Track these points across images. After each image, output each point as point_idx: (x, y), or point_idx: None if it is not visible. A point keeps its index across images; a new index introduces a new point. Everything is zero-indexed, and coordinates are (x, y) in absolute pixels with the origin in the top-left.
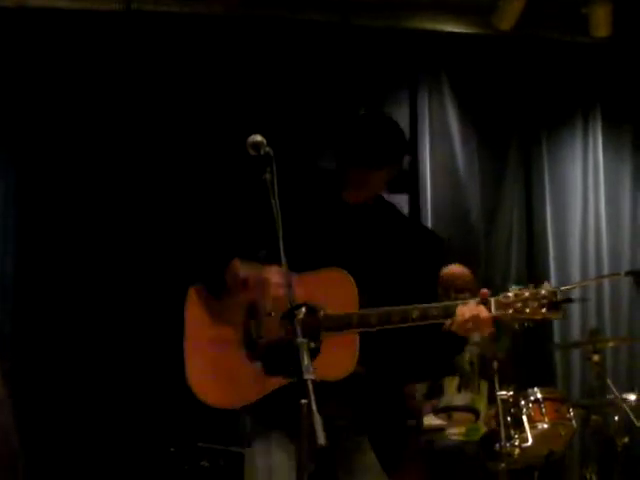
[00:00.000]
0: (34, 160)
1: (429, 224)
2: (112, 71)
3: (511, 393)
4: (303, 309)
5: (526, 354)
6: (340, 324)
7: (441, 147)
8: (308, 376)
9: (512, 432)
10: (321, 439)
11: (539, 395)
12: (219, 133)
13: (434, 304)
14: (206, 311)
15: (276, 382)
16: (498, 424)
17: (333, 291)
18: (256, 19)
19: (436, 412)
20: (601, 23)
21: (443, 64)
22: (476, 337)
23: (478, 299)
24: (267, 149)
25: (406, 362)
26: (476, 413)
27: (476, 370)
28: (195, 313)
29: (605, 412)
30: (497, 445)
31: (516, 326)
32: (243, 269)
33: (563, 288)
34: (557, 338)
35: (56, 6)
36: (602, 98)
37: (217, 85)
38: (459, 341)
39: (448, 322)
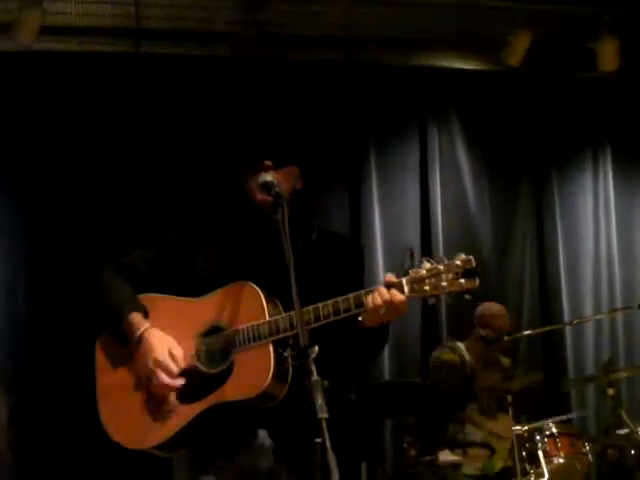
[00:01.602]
0: (43, 202)
1: None
2: (121, 113)
3: (526, 428)
4: (316, 348)
5: (541, 389)
6: (250, 336)
7: (451, 183)
8: (322, 415)
9: (528, 467)
10: (336, 477)
11: (554, 430)
12: (228, 173)
13: (342, 297)
14: (114, 356)
15: (194, 409)
16: (513, 459)
17: (240, 305)
18: (264, 60)
19: (452, 448)
20: (608, 58)
21: (452, 101)
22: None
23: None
24: (277, 189)
25: (328, 369)
26: (491, 449)
27: (494, 403)
28: (103, 360)
29: (621, 446)
30: None
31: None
32: (139, 330)
33: (576, 322)
34: (571, 372)
35: (65, 49)
36: (611, 132)
37: (226, 125)
38: (378, 335)
39: (362, 316)
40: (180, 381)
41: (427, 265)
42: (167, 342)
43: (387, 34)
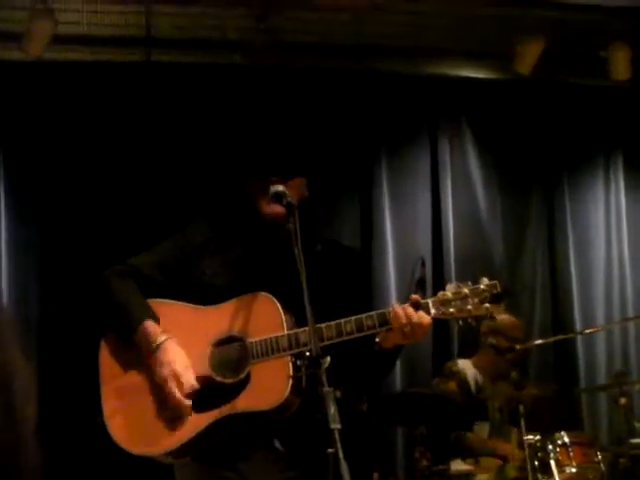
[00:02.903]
0: (54, 208)
1: (452, 269)
2: (132, 122)
3: (538, 437)
4: (328, 358)
5: (553, 398)
6: (269, 348)
7: (463, 191)
8: (335, 426)
9: (540, 477)
10: None
11: (566, 439)
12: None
13: (367, 314)
14: (120, 357)
15: (206, 418)
16: (526, 469)
17: (257, 316)
18: (275, 68)
19: (464, 457)
20: (621, 66)
21: (463, 109)
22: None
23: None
24: (289, 199)
25: (340, 380)
26: (503, 458)
27: (505, 418)
28: (109, 361)
29: (634, 455)
30: None
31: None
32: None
33: (588, 331)
34: (583, 382)
35: (76, 58)
36: (623, 141)
37: (236, 133)
38: (392, 355)
39: (383, 335)
40: (189, 402)
41: (452, 287)
42: (184, 361)
43: (398, 42)
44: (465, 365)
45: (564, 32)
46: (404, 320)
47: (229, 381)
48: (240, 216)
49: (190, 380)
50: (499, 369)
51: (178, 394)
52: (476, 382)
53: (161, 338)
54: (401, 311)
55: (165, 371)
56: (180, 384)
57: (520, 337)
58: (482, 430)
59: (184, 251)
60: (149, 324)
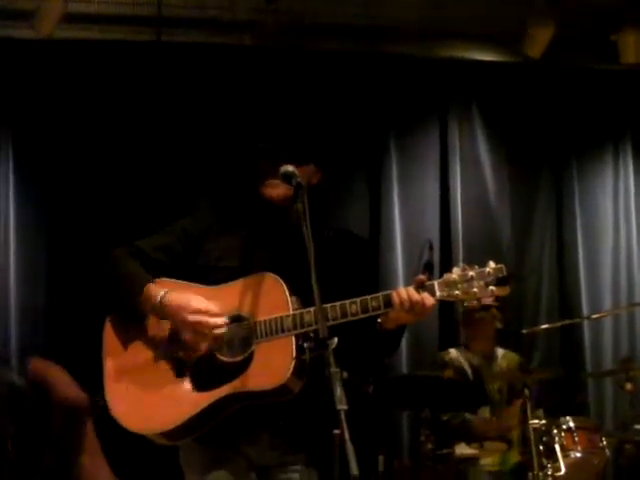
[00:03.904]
0: (64, 190)
1: (460, 253)
2: (143, 101)
3: (543, 422)
4: (335, 339)
5: (558, 382)
6: (273, 328)
7: (471, 176)
8: (341, 407)
9: (545, 461)
10: (354, 469)
11: (572, 424)
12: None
13: (372, 295)
14: (124, 336)
15: (207, 397)
16: (530, 453)
17: (263, 296)
18: (285, 49)
19: (468, 441)
20: (630, 50)
21: (473, 92)
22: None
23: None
24: (298, 179)
25: (345, 362)
26: (509, 442)
27: (505, 399)
28: (113, 340)
29: (639, 441)
30: (530, 474)
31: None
32: (159, 293)
33: (595, 316)
34: (589, 367)
35: (86, 37)
36: (632, 125)
37: (248, 114)
38: (396, 335)
39: (385, 316)
40: (223, 319)
41: (458, 270)
42: (194, 296)
43: (408, 25)
44: (458, 352)
45: (574, 16)
46: (405, 296)
47: (233, 360)
48: (247, 198)
49: (214, 307)
50: (492, 348)
51: (212, 321)
52: (472, 367)
53: (162, 292)
54: (403, 290)
55: (184, 314)
56: (205, 312)
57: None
58: (484, 413)
59: (190, 234)
60: (150, 286)
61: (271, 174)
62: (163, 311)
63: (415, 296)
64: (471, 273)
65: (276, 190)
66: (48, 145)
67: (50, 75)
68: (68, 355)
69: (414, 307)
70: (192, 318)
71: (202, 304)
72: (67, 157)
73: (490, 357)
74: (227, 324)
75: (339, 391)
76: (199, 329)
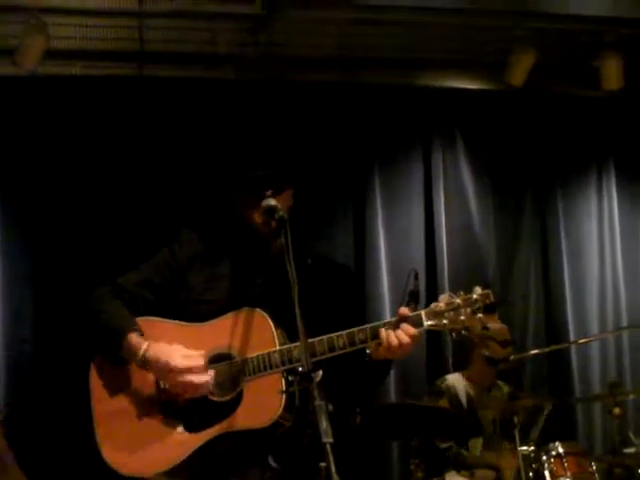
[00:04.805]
0: (48, 223)
1: (445, 281)
2: (125, 136)
3: (532, 448)
4: (320, 372)
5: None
6: (261, 365)
7: (456, 203)
8: (327, 440)
9: None
10: None
11: (561, 449)
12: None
13: (359, 327)
14: (111, 380)
15: (199, 438)
16: None
17: (250, 333)
18: (267, 81)
19: (458, 469)
20: (612, 76)
21: (456, 120)
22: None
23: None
24: (281, 213)
25: (333, 393)
26: (497, 470)
27: (498, 431)
28: (99, 385)
29: (628, 465)
30: None
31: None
32: (141, 348)
33: (582, 341)
34: (578, 391)
35: (69, 73)
36: (615, 150)
37: (231, 146)
38: (384, 367)
39: (374, 348)
40: (210, 375)
41: (445, 298)
42: (174, 348)
43: (390, 54)
44: (455, 380)
45: (556, 42)
46: (394, 340)
47: (222, 399)
48: (229, 230)
49: (195, 360)
50: (492, 380)
51: (197, 379)
52: (467, 396)
53: (144, 346)
54: (391, 334)
55: (168, 374)
56: (189, 370)
57: (510, 339)
58: (476, 444)
59: (172, 267)
60: (132, 336)
61: (253, 205)
62: (146, 366)
63: (400, 335)
64: (458, 301)
65: (260, 218)
66: (32, 182)
67: (32, 111)
68: (54, 392)
69: (401, 344)
70: (174, 380)
71: (184, 362)
72: (51, 193)
73: (488, 388)
74: (211, 377)
75: (325, 424)
76: (181, 391)
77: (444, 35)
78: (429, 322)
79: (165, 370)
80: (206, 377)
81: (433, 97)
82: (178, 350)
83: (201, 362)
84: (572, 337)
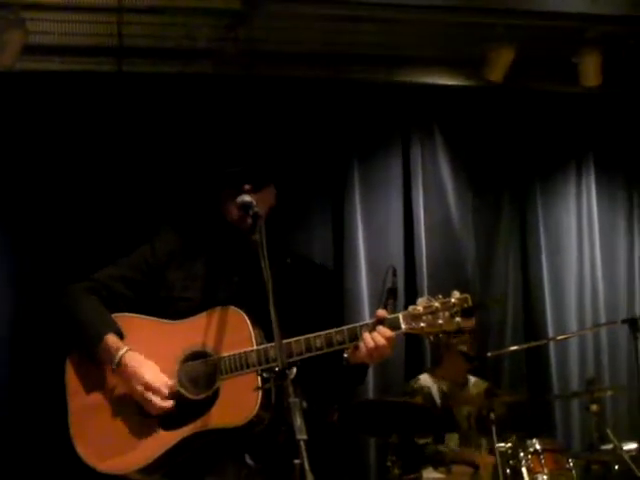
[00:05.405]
0: (26, 220)
1: (424, 278)
2: (104, 132)
3: (510, 445)
4: (294, 369)
5: (525, 405)
6: (238, 364)
7: (434, 199)
8: (301, 436)
9: None
10: None
11: (538, 446)
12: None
13: (337, 329)
14: (86, 376)
15: (174, 436)
16: (497, 476)
17: (226, 331)
18: (246, 77)
19: (435, 466)
20: (591, 72)
21: (435, 117)
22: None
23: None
24: (256, 209)
25: (309, 390)
26: (475, 466)
27: (474, 426)
28: (75, 380)
29: (606, 462)
30: None
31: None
32: (118, 353)
33: (560, 337)
34: (556, 388)
35: (47, 69)
36: (594, 147)
37: (210, 141)
38: (361, 371)
39: (352, 350)
40: (170, 403)
41: (423, 302)
42: (150, 366)
43: (369, 51)
44: (427, 379)
45: (535, 39)
46: (371, 344)
47: (198, 397)
48: (209, 227)
49: (164, 383)
50: (464, 376)
51: (159, 402)
52: (441, 393)
53: (121, 352)
54: (367, 335)
55: (136, 385)
56: (156, 391)
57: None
58: (452, 440)
59: (150, 264)
60: (109, 338)
61: (233, 199)
62: (119, 370)
63: (382, 332)
64: (436, 304)
65: (238, 213)
66: (10, 179)
67: (11, 107)
68: (33, 388)
69: (378, 348)
70: (142, 395)
71: (155, 381)
72: (31, 190)
73: (461, 384)
74: (171, 405)
75: (299, 421)
76: (145, 406)
77: (424, 32)
78: (406, 325)
79: (137, 379)
80: (169, 404)
81: (412, 93)
82: (153, 371)
83: (166, 391)
84: (550, 334)
